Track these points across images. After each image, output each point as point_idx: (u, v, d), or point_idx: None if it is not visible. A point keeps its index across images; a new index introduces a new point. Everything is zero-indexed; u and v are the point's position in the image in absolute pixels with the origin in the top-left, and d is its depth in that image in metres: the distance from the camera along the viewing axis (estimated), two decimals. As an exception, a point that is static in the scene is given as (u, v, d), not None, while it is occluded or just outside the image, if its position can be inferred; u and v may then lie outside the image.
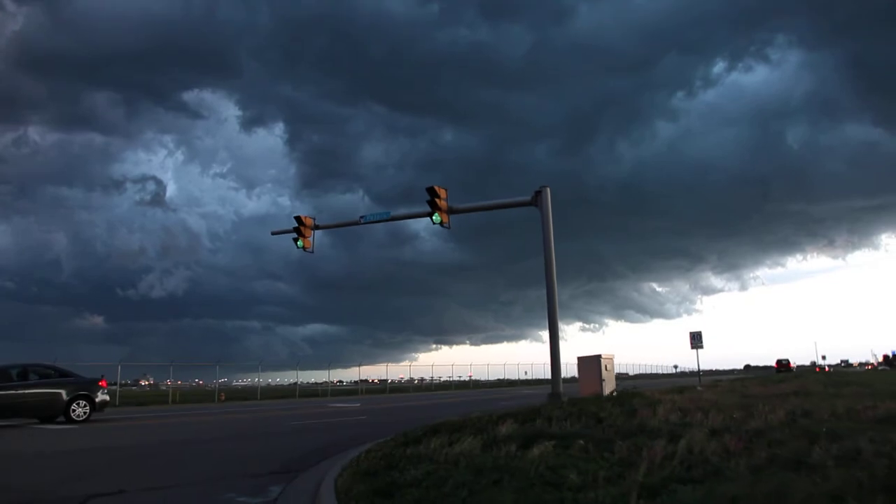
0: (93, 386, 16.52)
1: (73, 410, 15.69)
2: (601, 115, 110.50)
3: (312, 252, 19.40)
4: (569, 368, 70.08)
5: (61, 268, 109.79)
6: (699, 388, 23.94)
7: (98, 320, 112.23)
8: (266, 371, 47.85)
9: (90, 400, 16.10)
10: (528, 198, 16.41)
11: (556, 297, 15.76)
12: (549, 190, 16.15)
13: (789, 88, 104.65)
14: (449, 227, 16.98)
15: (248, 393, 38.87)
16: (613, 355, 18.48)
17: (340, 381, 65.53)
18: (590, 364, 17.69)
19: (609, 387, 17.68)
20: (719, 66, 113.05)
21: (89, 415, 15.95)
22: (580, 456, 6.54)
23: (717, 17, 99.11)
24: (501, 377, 61.45)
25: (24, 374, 15.58)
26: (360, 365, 45.23)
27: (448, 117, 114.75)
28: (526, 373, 64.46)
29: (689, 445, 6.71)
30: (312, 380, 54.10)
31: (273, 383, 54.00)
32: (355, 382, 57.18)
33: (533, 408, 11.84)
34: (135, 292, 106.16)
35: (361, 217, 18.88)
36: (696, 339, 31.03)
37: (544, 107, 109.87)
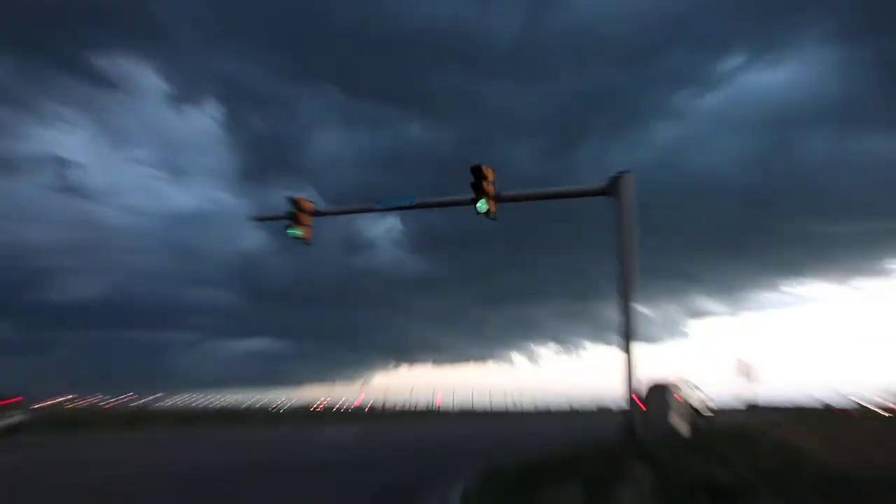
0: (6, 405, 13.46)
1: None
2: (593, 114, 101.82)
3: (312, 245, 15.53)
4: (547, 396, 62.33)
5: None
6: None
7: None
8: (200, 388, 42.89)
9: None
10: (601, 184, 13.17)
11: (635, 310, 12.58)
12: (631, 175, 12.95)
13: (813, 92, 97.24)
14: (496, 219, 13.53)
15: (194, 416, 33.68)
16: (687, 380, 15.27)
17: (281, 402, 57.48)
18: (663, 394, 14.45)
19: (686, 423, 14.50)
20: (728, 64, 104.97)
21: None
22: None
23: (732, 9, 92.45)
24: (469, 401, 56.53)
25: None
26: (333, 383, 40.71)
27: (416, 107, 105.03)
28: (512, 401, 59.07)
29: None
30: (253, 399, 49.32)
31: (211, 403, 48.42)
32: (303, 407, 52.09)
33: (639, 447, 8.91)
34: (41, 297, 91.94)
35: (378, 202, 15.21)
36: (749, 373, 28.72)
37: (528, 100, 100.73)
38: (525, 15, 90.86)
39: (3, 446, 13.15)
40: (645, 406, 14.93)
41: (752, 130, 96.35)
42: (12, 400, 13.75)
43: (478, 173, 13.43)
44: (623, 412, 13.19)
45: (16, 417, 13.74)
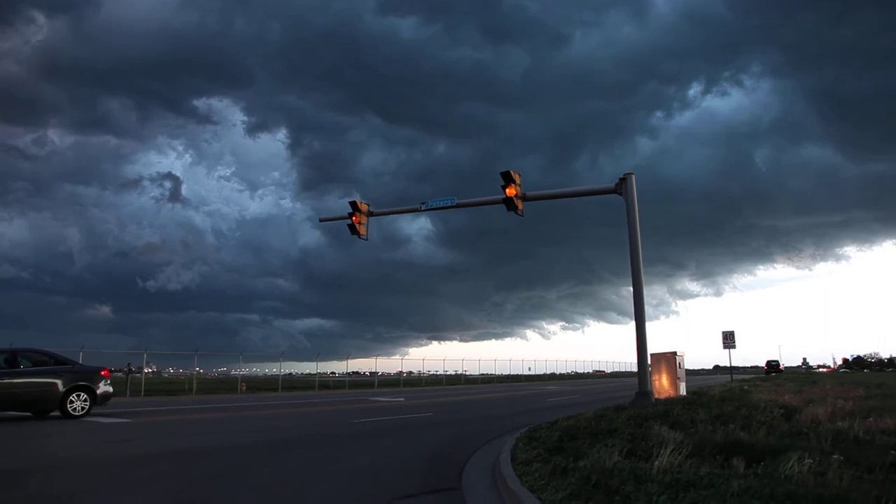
0: (94, 375, 14.46)
1: (71, 403, 13.69)
2: (586, 134, 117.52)
3: (367, 239, 18.38)
4: (558, 365, 71.61)
5: (73, 261, 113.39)
6: (746, 386, 23.46)
7: (106, 311, 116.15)
8: (262, 361, 47.66)
9: (90, 391, 14.04)
10: (611, 185, 15.56)
11: (643, 288, 14.97)
12: (634, 177, 15.31)
13: (759, 113, 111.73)
14: (522, 215, 16.07)
15: (266, 384, 38.45)
16: (685, 353, 17.73)
17: (333, 373, 66.02)
18: (665, 362, 16.95)
19: (683, 386, 16.96)
20: (695, 90, 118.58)
21: (88, 409, 13.93)
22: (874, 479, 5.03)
23: (696, 46, 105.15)
24: (490, 372, 61.98)
25: (12, 360, 13.52)
26: (377, 356, 44.52)
27: (442, 131, 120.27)
28: (530, 369, 65.42)
29: None
30: (307, 371, 54.99)
31: (269, 373, 53.78)
32: (348, 374, 57.53)
33: (656, 409, 11.01)
34: (143, 285, 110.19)
35: (422, 203, 17.89)
36: (728, 339, 30.48)
37: (534, 124, 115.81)
38: (531, 57, 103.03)
39: (105, 412, 15.05)
40: (653, 370, 17.51)
41: (712, 144, 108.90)
42: (101, 372, 14.89)
43: (507, 177, 15.97)
44: (638, 377, 15.51)
45: (109, 387, 14.90)
